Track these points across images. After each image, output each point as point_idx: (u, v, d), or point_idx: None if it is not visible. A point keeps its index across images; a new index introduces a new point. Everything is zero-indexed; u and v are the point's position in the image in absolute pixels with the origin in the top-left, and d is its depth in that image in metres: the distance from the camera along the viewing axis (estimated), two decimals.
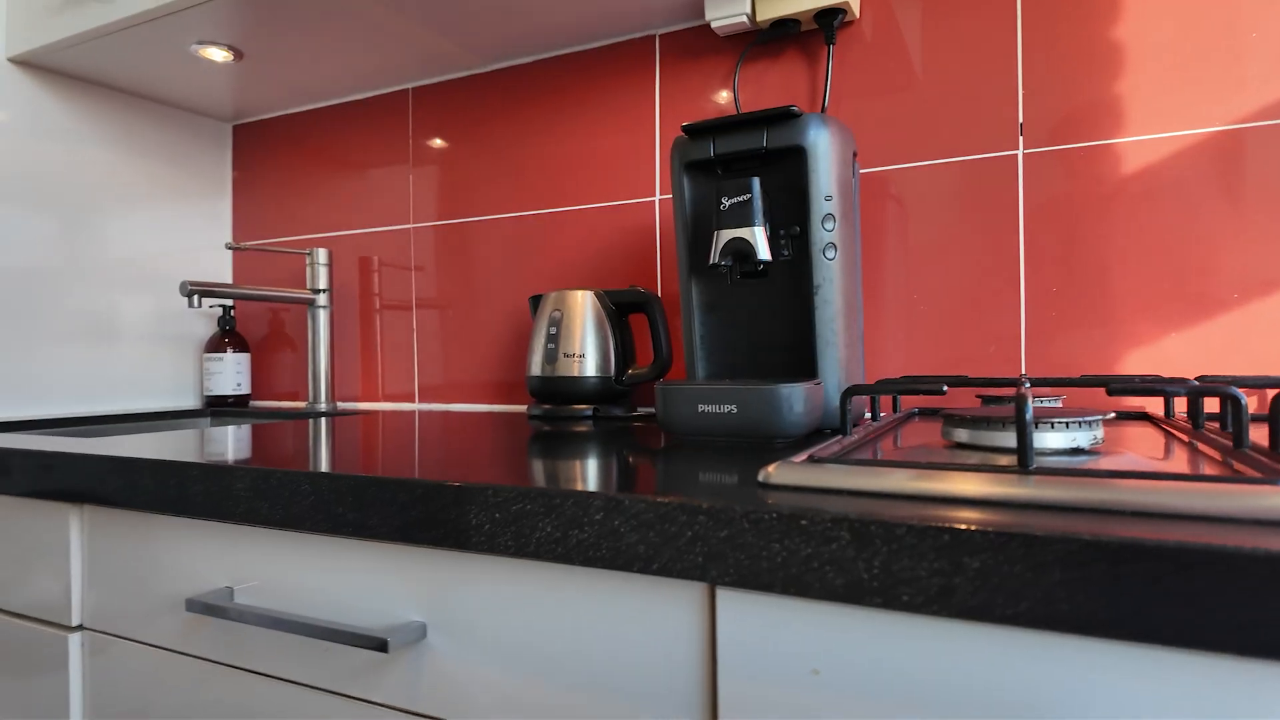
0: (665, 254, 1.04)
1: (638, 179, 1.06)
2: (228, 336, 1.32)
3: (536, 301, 1.01)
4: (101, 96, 1.22)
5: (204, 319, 1.37)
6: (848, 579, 0.34)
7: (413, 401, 1.25)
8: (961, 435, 0.48)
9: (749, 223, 0.66)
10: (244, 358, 1.33)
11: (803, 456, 0.44)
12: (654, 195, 1.05)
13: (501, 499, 0.43)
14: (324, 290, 1.24)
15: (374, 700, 0.50)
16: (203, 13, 0.97)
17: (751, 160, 0.71)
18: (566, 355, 0.94)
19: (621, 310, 0.98)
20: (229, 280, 1.42)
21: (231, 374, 1.31)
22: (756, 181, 0.67)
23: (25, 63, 1.12)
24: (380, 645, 0.46)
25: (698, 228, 0.74)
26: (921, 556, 0.33)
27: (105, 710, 0.64)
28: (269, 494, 0.52)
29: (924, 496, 0.37)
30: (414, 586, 0.49)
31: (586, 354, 0.95)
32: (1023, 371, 0.84)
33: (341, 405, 1.30)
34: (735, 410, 0.61)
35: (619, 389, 0.96)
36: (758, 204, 0.66)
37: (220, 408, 1.29)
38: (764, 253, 0.66)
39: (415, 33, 1.05)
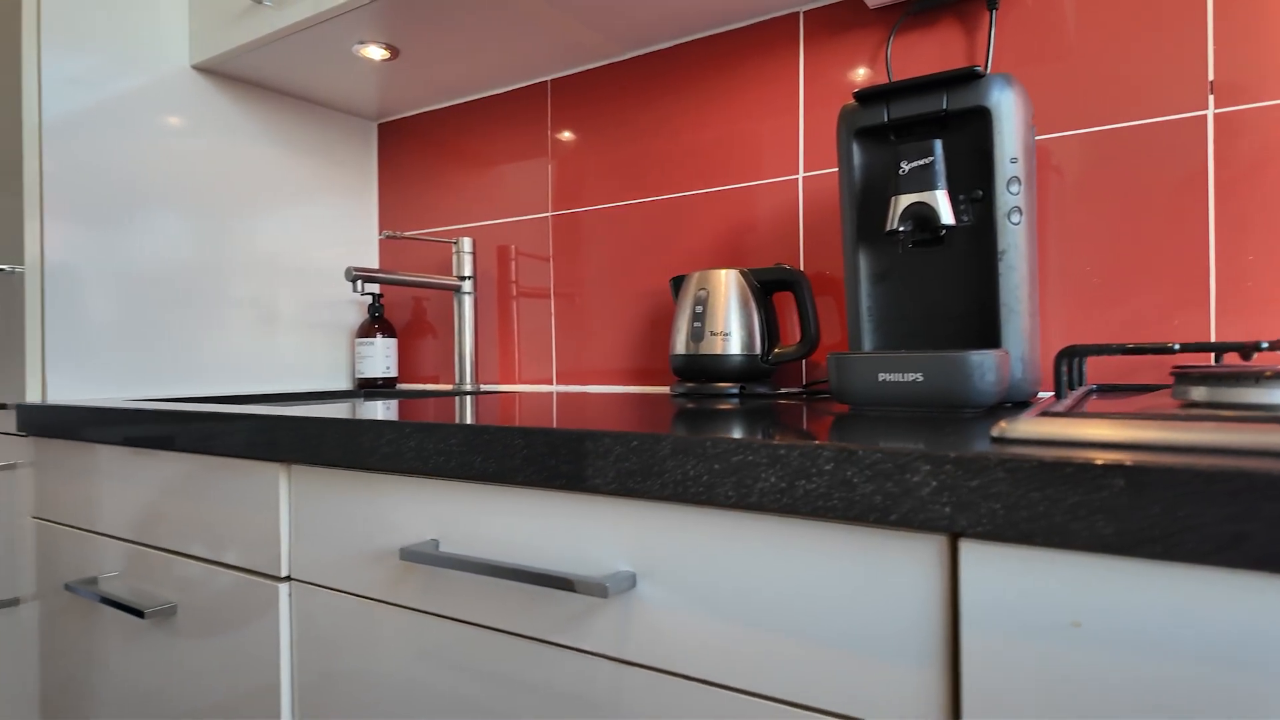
0: (809, 232, 1.03)
1: (779, 158, 1.05)
2: (377, 323, 1.40)
3: (679, 283, 1.02)
4: (264, 99, 1.31)
5: (355, 307, 1.46)
6: (1119, 527, 0.33)
7: (550, 384, 1.28)
8: (1199, 394, 0.46)
9: (931, 186, 0.65)
10: (392, 343, 1.40)
11: (1033, 413, 0.42)
12: (797, 174, 1.04)
13: (721, 450, 0.44)
14: (469, 277, 1.30)
15: (582, 648, 0.52)
16: (367, 12, 1.03)
17: (928, 124, 0.69)
18: (712, 333, 0.95)
19: (766, 288, 0.98)
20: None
21: (381, 358, 1.38)
22: (939, 144, 0.65)
23: (206, 70, 1.22)
24: (599, 590, 0.47)
25: (867, 196, 0.73)
26: (1210, 502, 0.31)
27: (311, 654, 0.69)
28: (482, 448, 0.55)
29: (1191, 448, 0.35)
30: (623, 538, 0.50)
31: (731, 332, 0.95)
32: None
33: (484, 387, 1.35)
34: (921, 378, 0.60)
35: (764, 367, 0.96)
36: (940, 167, 0.65)
37: (372, 389, 1.37)
38: (947, 216, 0.65)
39: (562, 22, 1.08)
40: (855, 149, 0.73)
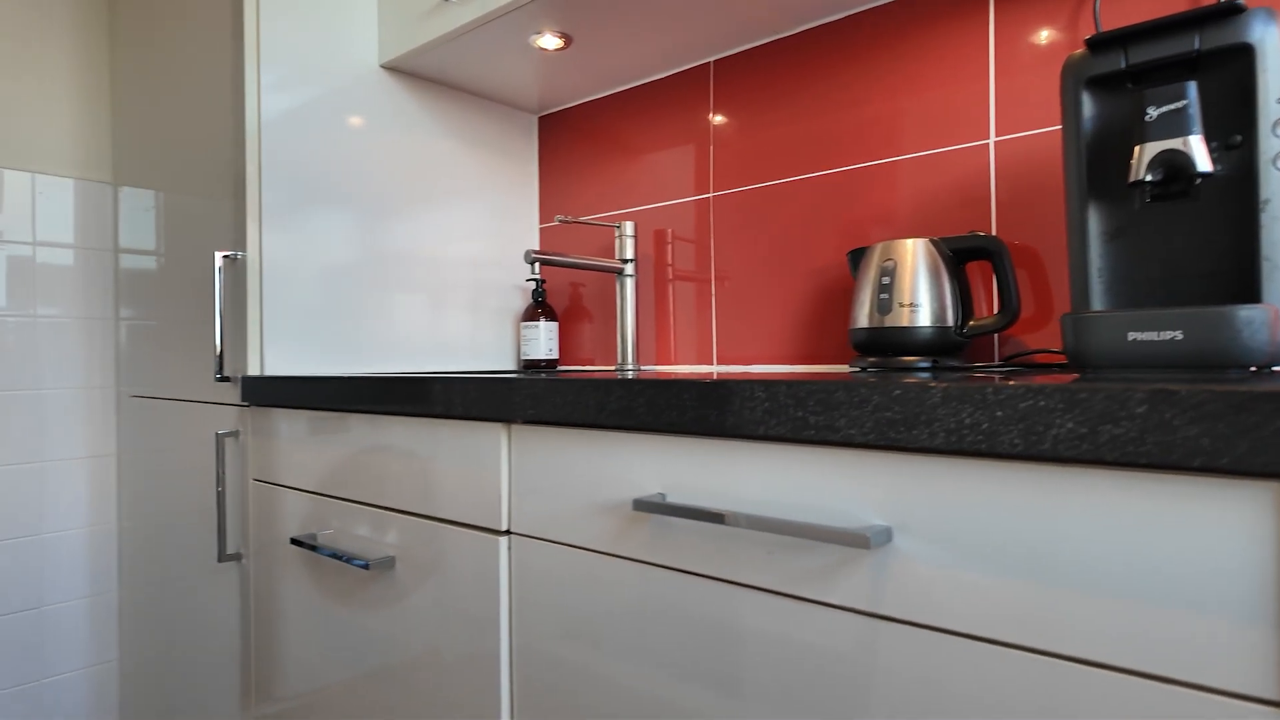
0: (1002, 198, 0.98)
1: (966, 124, 1.01)
2: (540, 308, 1.45)
3: (858, 255, 1.00)
4: (440, 94, 1.39)
5: (518, 293, 1.52)
6: None
7: (710, 364, 1.29)
8: None
9: (1184, 131, 0.60)
10: (553, 326, 1.45)
11: None
12: (987, 139, 0.99)
13: (1005, 396, 0.42)
14: (630, 260, 1.32)
15: (828, 602, 0.52)
16: (549, 1, 1.07)
17: (1175, 67, 0.64)
18: (900, 305, 0.92)
19: (959, 257, 0.94)
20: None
21: (544, 340, 1.43)
22: (1193, 86, 0.60)
23: (393, 68, 1.31)
24: (860, 542, 0.47)
25: (1097, 149, 0.69)
26: None
27: (529, 603, 0.72)
28: (718, 402, 0.55)
29: None
30: (876, 491, 0.49)
31: (921, 303, 0.92)
32: None
33: (644, 368, 1.38)
34: (1180, 336, 0.56)
35: (957, 340, 0.92)
36: (1195, 111, 0.60)
37: (536, 370, 1.42)
38: (1204, 163, 0.60)
39: (735, 1, 1.08)
40: (1084, 99, 0.69)
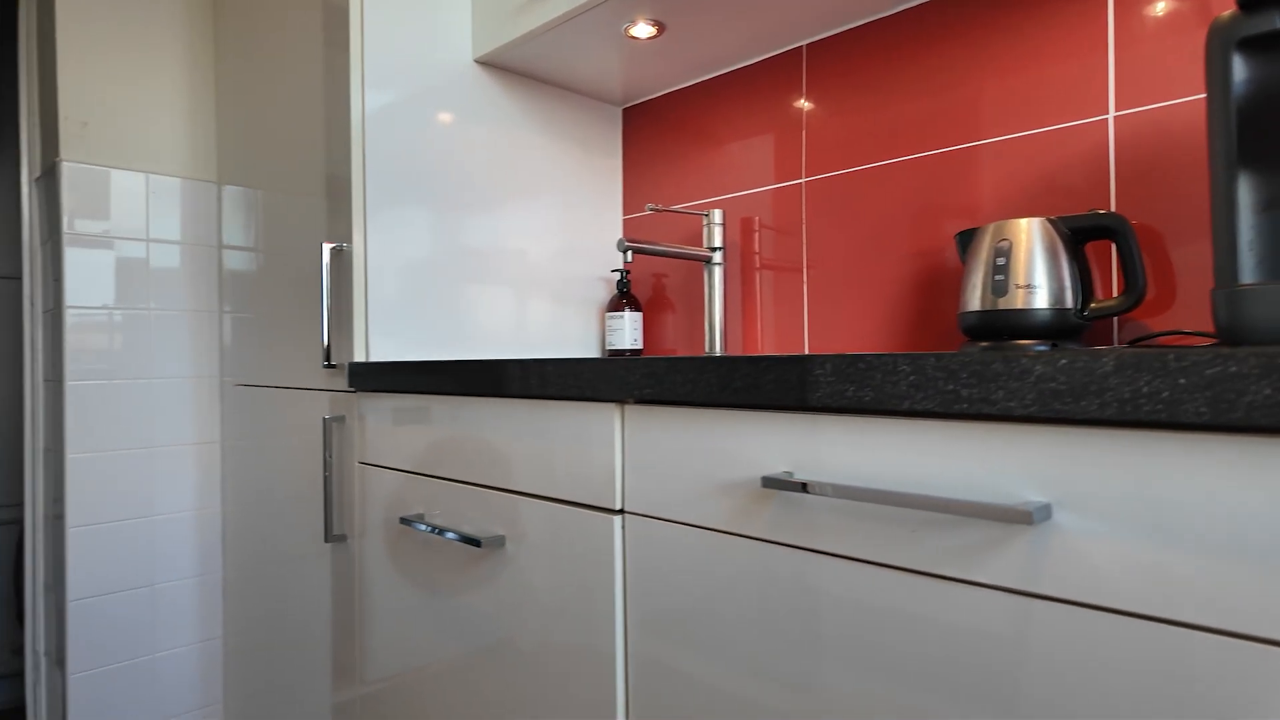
0: (1123, 174, 0.94)
1: (1082, 99, 0.97)
2: (625, 298, 1.46)
3: (967, 237, 0.97)
4: (529, 88, 1.41)
5: (602, 285, 1.53)
6: None
7: (801, 352, 1.27)
8: None
9: None
10: (638, 316, 1.46)
11: None
12: (1106, 114, 0.95)
13: (1190, 363, 0.40)
14: (719, 248, 1.32)
15: (978, 581, 0.50)
16: None
17: None
18: (1016, 286, 0.89)
19: (1078, 237, 0.90)
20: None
21: (629, 330, 1.44)
22: None
23: (486, 63, 1.33)
24: (1022, 518, 0.45)
25: (1250, 116, 0.65)
26: None
27: (644, 583, 0.72)
28: (857, 377, 0.54)
29: None
30: (1033, 465, 0.48)
31: (1039, 284, 0.88)
32: None
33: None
34: None
35: (1077, 323, 0.89)
36: None
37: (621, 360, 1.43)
38: None
39: None
40: (1235, 63, 0.65)
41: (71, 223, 1.47)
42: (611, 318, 1.45)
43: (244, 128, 1.53)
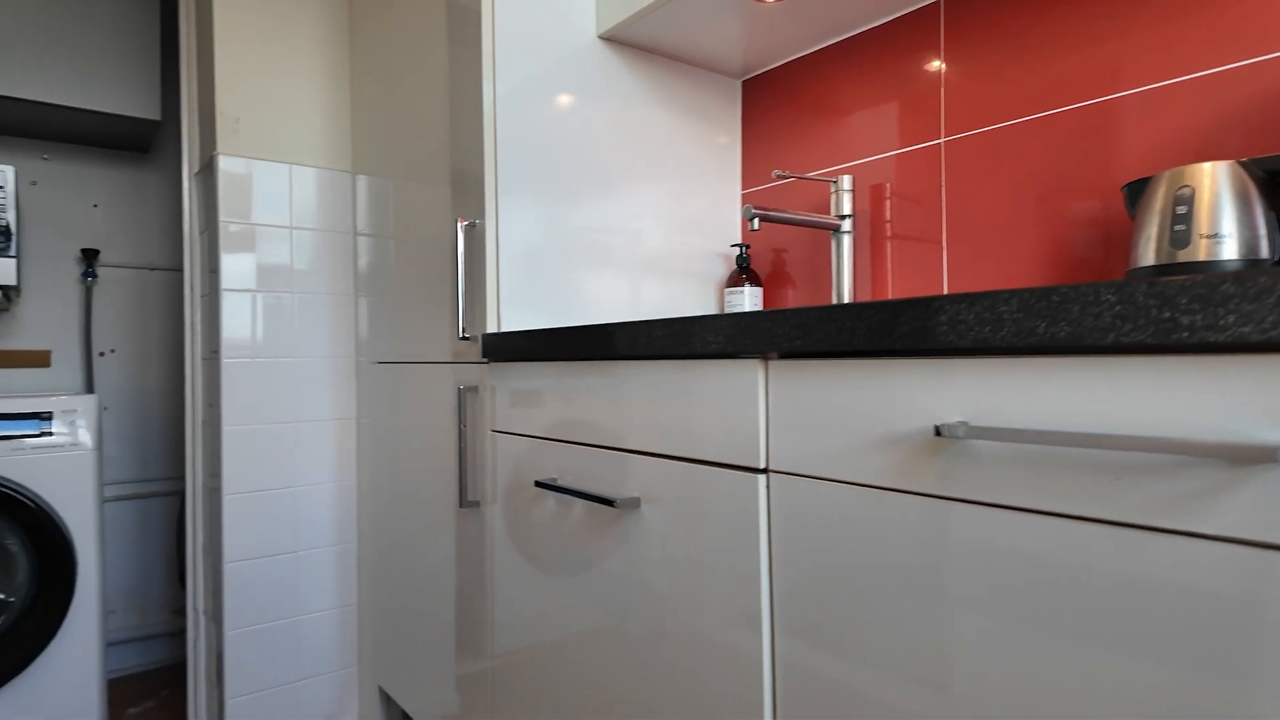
0: None
1: (1268, 32, 0.87)
2: (745, 273, 1.43)
3: (1138, 188, 0.89)
4: (649, 62, 1.40)
5: (720, 260, 1.51)
6: None
7: None
8: None
9: None
10: (758, 291, 1.42)
11: None
12: None
13: None
14: (848, 216, 1.27)
15: (1200, 532, 0.45)
16: None
17: None
18: (1201, 236, 0.80)
19: (1274, 181, 0.80)
20: (738, 223, 1.54)
21: (749, 305, 1.41)
22: None
23: (609, 38, 1.33)
24: (1262, 456, 0.40)
25: None
26: None
27: (792, 542, 0.70)
28: (1048, 312, 0.50)
29: None
30: (1270, 400, 0.42)
31: (1227, 233, 0.79)
32: None
33: None
34: None
35: None
36: None
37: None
38: None
39: None
40: None
41: (225, 213, 1.58)
42: (730, 293, 1.42)
43: (376, 119, 1.61)
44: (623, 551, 0.89)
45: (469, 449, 1.23)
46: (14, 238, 1.70)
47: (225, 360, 1.57)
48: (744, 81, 1.54)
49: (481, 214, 1.20)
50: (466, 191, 1.25)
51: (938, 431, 0.55)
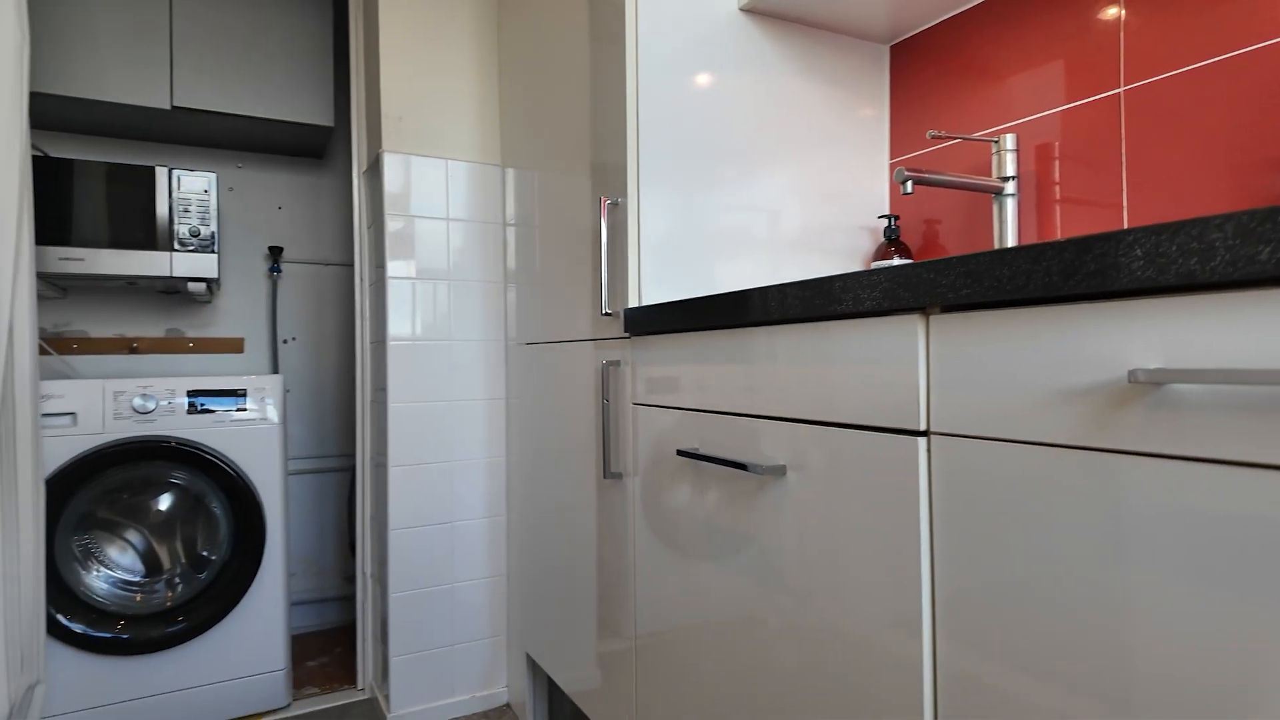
0: None
1: None
2: (894, 245, 1.36)
3: None
4: (790, 32, 1.37)
5: (866, 234, 1.45)
6: None
7: None
8: None
9: None
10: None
11: None
12: None
13: None
14: (1012, 177, 1.18)
15: None
16: None
17: None
18: None
19: None
20: (885, 194, 1.47)
21: None
22: None
23: (750, 9, 1.32)
24: None
25: None
26: None
27: (955, 508, 0.65)
28: (1271, 236, 0.43)
29: None
30: None
31: None
32: None
33: None
34: None
35: None
36: None
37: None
38: None
39: None
40: None
41: (389, 207, 1.71)
42: (878, 266, 1.36)
43: (523, 112, 1.67)
44: (768, 523, 0.87)
45: (611, 422, 1.25)
46: (215, 237, 1.92)
47: (391, 343, 1.70)
48: (892, 46, 1.47)
49: (624, 193, 1.22)
50: (608, 173, 1.27)
51: (1132, 378, 0.50)
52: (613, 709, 1.27)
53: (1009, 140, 1.18)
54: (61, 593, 1.59)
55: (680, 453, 1.00)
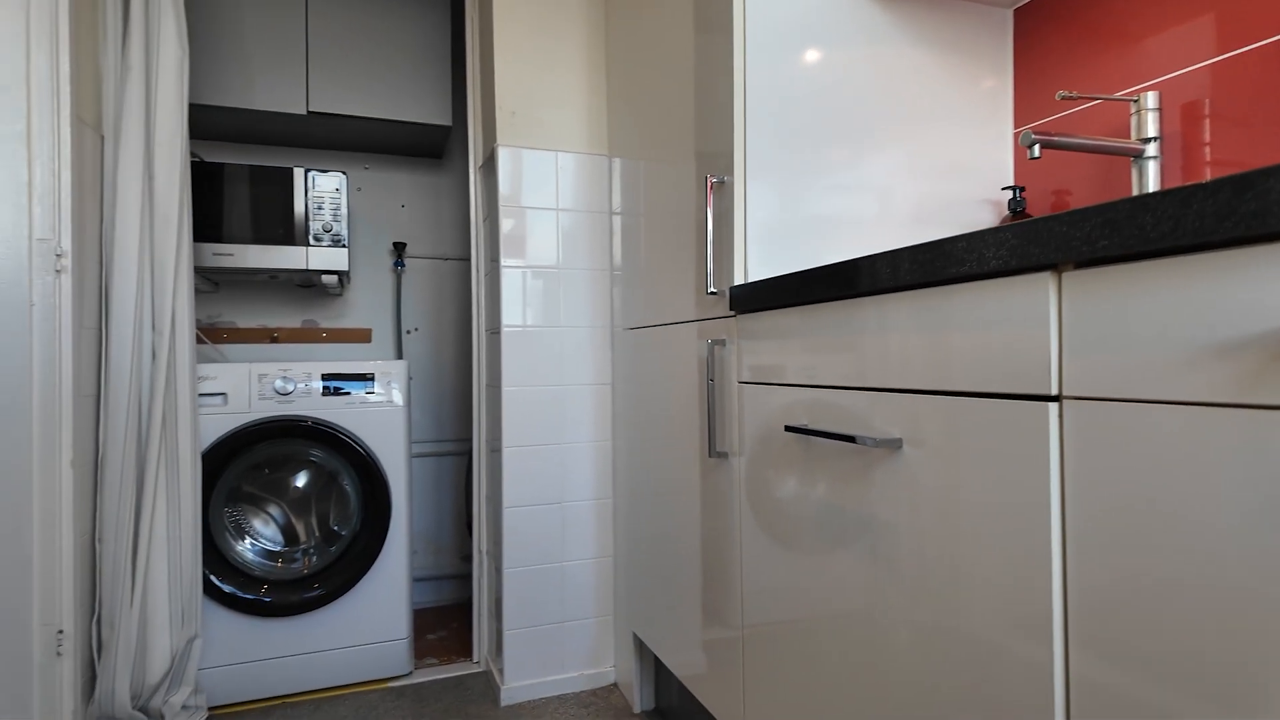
0: None
1: None
2: (1018, 218, 1.28)
3: None
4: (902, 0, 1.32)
5: (988, 207, 1.37)
6: None
7: None
8: None
9: None
10: None
11: None
12: None
13: None
14: (1153, 139, 1.09)
15: None
16: None
17: None
18: None
19: None
20: (1009, 164, 1.39)
21: None
22: None
23: None
24: None
25: None
26: None
27: (1089, 475, 0.61)
28: None
29: None
30: None
31: None
32: None
33: None
34: None
35: None
36: None
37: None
38: None
39: None
40: None
41: (503, 199, 1.77)
42: None
43: (630, 100, 1.70)
44: (882, 501, 0.85)
45: (716, 400, 1.25)
46: (346, 233, 2.06)
47: (505, 331, 1.76)
48: (1016, 10, 1.38)
49: (730, 171, 1.22)
50: (715, 158, 1.27)
51: None
52: (720, 697, 1.27)
53: (1150, 99, 1.09)
54: (215, 558, 1.75)
55: (789, 429, 0.98)
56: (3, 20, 1.36)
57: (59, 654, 1.44)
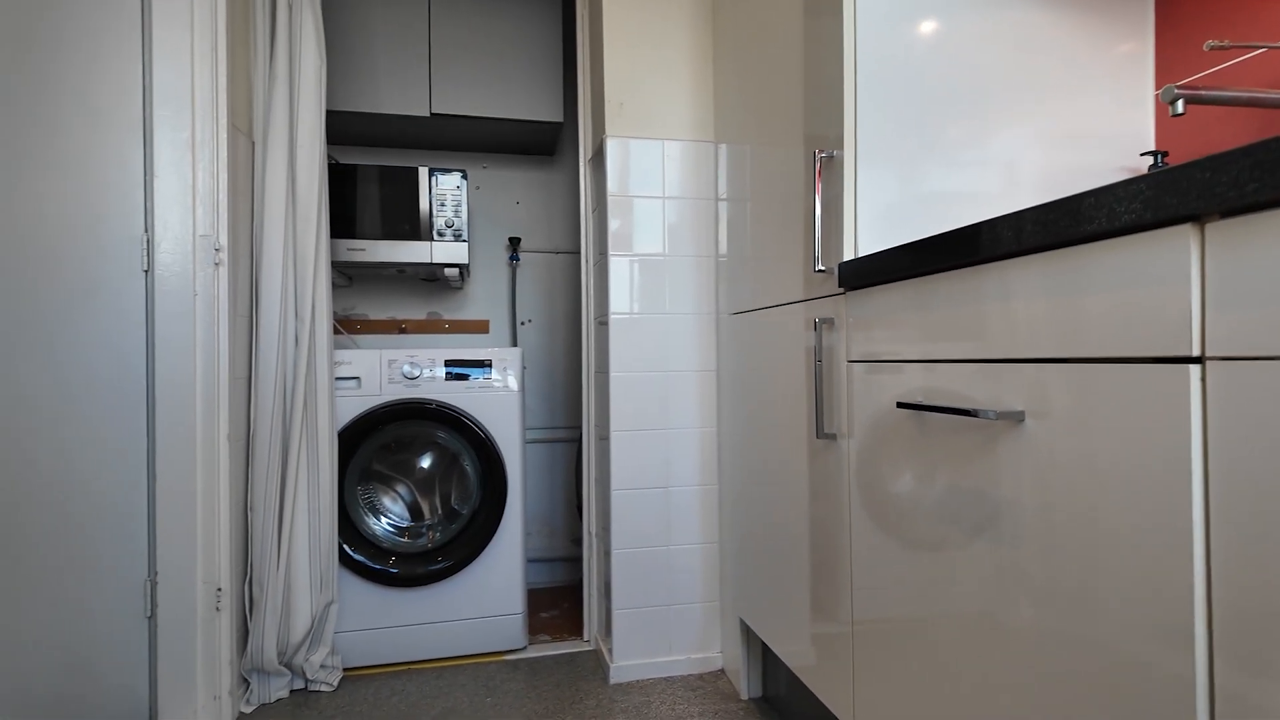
0: None
1: None
2: None
3: None
4: None
5: (1126, 175, 1.27)
6: None
7: None
8: None
9: None
10: None
11: None
12: None
13: None
14: None
15: None
16: None
17: None
18: None
19: None
20: (1150, 129, 1.28)
21: None
22: None
23: None
24: None
25: None
26: None
27: (1235, 443, 0.56)
28: None
29: None
30: None
31: None
32: None
33: None
34: None
35: None
36: None
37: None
38: None
39: None
40: None
41: (611, 188, 1.81)
42: None
43: (734, 90, 1.69)
44: (1002, 481, 0.81)
45: (824, 380, 1.22)
46: (466, 228, 2.17)
47: (612, 317, 1.80)
48: None
49: (840, 146, 1.19)
50: (823, 130, 1.25)
51: None
52: (830, 689, 1.24)
53: None
54: (350, 532, 1.89)
55: (901, 405, 0.95)
56: (170, 38, 1.52)
57: (218, 609, 1.60)
